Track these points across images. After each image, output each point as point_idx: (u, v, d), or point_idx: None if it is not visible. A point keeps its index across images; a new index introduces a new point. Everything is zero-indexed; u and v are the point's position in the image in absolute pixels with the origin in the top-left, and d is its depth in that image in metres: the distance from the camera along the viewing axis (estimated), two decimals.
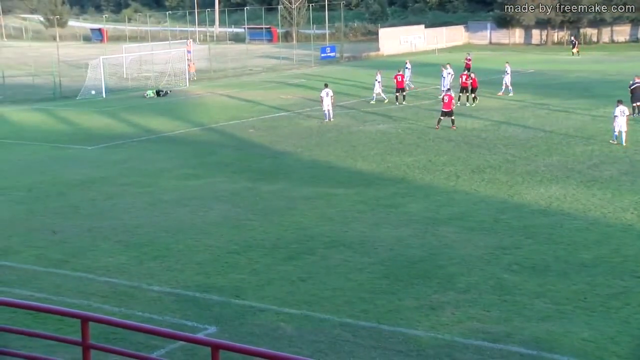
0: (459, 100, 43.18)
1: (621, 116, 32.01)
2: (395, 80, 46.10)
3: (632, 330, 15.00)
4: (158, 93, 54.99)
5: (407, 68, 53.43)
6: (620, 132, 32.15)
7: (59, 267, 19.42)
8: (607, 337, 14.66)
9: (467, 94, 44.44)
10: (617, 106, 32.25)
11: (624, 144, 31.96)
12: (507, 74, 48.03)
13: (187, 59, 66.76)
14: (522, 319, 15.54)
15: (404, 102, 45.40)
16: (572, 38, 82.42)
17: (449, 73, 46.96)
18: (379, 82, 47.39)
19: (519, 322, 15.40)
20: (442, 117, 37.27)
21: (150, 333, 11.16)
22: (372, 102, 47.07)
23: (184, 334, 11.27)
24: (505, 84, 48.02)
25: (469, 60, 57.14)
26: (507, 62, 49.04)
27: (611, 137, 32.73)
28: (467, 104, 43.60)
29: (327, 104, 40.69)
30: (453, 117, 37.36)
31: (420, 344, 14.59)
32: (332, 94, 40.94)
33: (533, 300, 16.53)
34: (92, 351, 9.29)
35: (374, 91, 47.67)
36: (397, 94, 45.88)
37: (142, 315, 16.08)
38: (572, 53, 76.38)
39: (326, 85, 41.66)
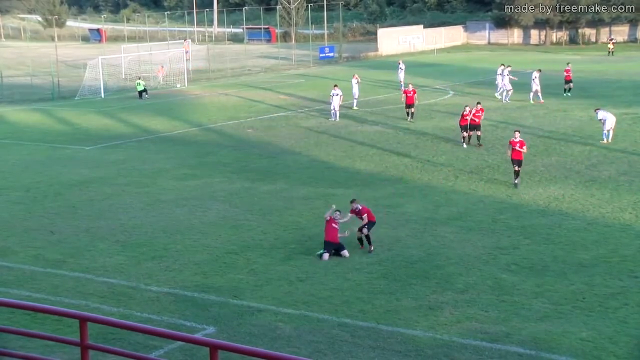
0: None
1: (609, 114, 32.93)
2: (405, 95, 41.10)
3: (630, 330, 15.02)
4: (141, 93, 53.67)
5: (400, 69, 53.15)
6: (609, 130, 32.86)
7: (57, 267, 19.41)
8: (605, 337, 14.67)
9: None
10: (599, 111, 33.41)
11: (610, 140, 32.72)
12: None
13: (186, 59, 66.54)
14: (520, 319, 15.55)
15: (411, 120, 39.93)
16: (612, 37, 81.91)
17: (505, 75, 45.31)
18: (357, 82, 45.29)
19: (518, 322, 15.41)
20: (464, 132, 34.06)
21: (149, 333, 11.15)
22: (354, 107, 44.83)
23: (183, 334, 11.25)
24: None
25: (569, 71, 48.26)
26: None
27: (601, 138, 33.21)
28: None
29: (336, 104, 40.79)
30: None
31: (419, 344, 14.59)
32: (341, 94, 41.07)
33: (531, 300, 16.54)
34: (90, 351, 9.27)
35: (354, 95, 45.04)
36: (407, 110, 40.54)
37: (140, 315, 16.08)
38: (611, 52, 75.60)
39: (336, 86, 41.65)
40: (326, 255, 19.15)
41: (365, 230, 19.72)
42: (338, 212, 19.74)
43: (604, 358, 13.93)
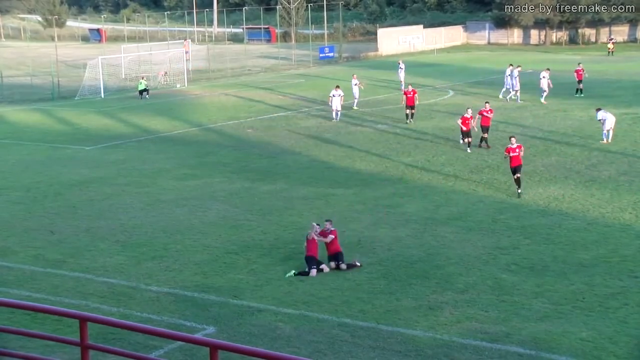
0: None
1: (609, 115, 32.92)
2: (405, 96, 40.29)
3: (630, 330, 15.02)
4: (141, 93, 53.76)
5: (400, 68, 53.05)
6: (608, 130, 32.85)
7: (57, 267, 19.42)
8: (605, 337, 14.68)
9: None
10: (599, 111, 33.39)
11: (610, 141, 32.66)
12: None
13: (186, 59, 66.47)
14: (520, 319, 15.55)
15: (411, 120, 39.39)
16: (612, 37, 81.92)
17: (515, 76, 45.15)
18: (356, 84, 44.92)
19: (518, 322, 15.41)
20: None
21: (149, 333, 11.16)
22: (354, 107, 44.63)
23: (183, 334, 11.25)
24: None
25: (580, 71, 47.49)
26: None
27: (601, 138, 33.18)
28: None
29: (337, 104, 40.76)
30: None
31: (419, 344, 14.60)
32: (342, 94, 41.08)
33: (531, 300, 16.55)
34: (90, 351, 9.27)
35: (354, 96, 44.81)
36: (407, 111, 39.76)
37: (140, 315, 16.08)
38: (611, 52, 75.43)
39: (337, 87, 41.59)
40: (314, 272, 18.51)
41: (343, 266, 18.77)
42: (317, 225, 19.30)
43: (604, 358, 13.94)
